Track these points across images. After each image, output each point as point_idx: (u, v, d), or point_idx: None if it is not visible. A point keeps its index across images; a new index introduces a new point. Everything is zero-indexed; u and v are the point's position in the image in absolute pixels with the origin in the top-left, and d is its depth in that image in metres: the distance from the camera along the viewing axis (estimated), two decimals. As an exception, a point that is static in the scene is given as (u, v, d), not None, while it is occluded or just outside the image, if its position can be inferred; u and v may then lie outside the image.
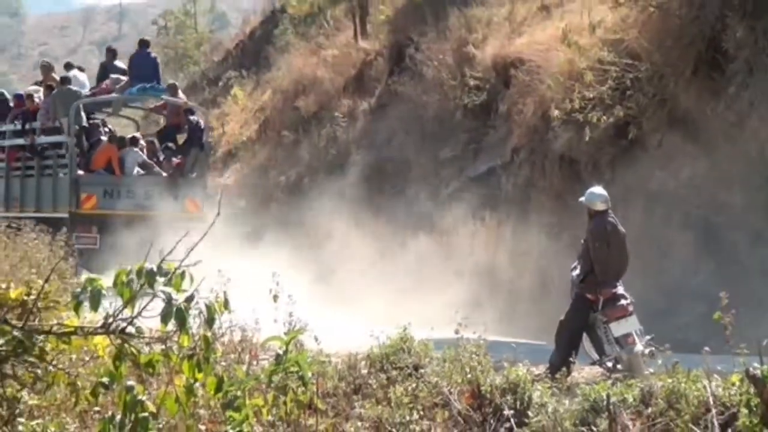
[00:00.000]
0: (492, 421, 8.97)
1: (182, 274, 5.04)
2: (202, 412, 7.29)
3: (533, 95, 23.02)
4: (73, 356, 5.89)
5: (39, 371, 5.36)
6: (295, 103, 33.52)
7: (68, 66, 26.80)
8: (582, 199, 13.21)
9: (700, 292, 15.29)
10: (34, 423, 6.75)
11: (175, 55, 56.39)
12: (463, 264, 22.53)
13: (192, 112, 25.26)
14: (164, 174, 24.28)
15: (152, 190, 23.38)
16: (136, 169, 24.01)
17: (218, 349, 6.66)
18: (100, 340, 5.19)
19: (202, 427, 7.07)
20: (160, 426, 5.72)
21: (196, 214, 23.02)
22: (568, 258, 14.30)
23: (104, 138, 24.53)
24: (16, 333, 5.09)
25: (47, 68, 27.14)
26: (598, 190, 13.33)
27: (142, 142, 25.32)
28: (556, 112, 21.69)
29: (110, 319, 5.08)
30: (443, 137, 26.30)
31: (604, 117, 20.62)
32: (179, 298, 5.06)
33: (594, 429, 8.30)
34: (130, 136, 25.56)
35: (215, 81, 46.37)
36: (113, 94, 24.87)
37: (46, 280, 5.38)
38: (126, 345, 5.12)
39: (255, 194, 31.44)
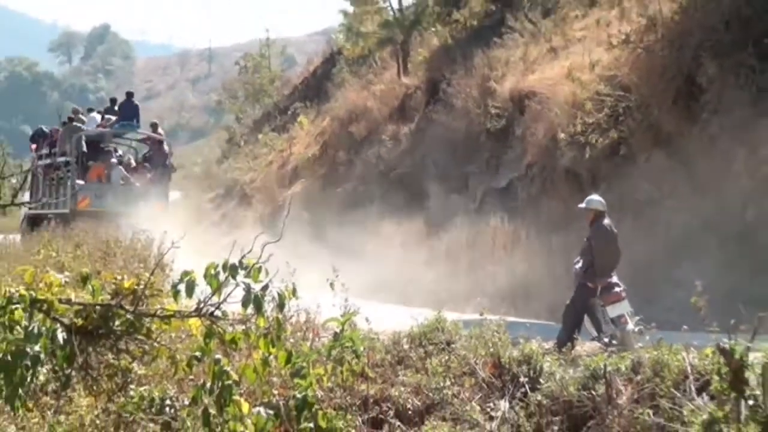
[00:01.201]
0: (510, 386, 8.95)
1: (259, 268, 5.08)
2: (275, 379, 7.32)
3: (543, 121, 22.95)
4: (173, 335, 5.94)
5: (146, 347, 5.40)
6: (349, 128, 33.58)
7: (90, 110, 31.02)
8: (582, 205, 13.17)
9: (680, 281, 15.17)
10: (142, 389, 6.81)
11: (253, 90, 56.61)
12: (486, 259, 22.48)
13: (162, 143, 28.93)
14: (137, 184, 27.49)
15: (129, 195, 26.58)
16: (120, 181, 27.39)
17: (287, 328, 6.69)
18: (194, 322, 5.23)
19: (275, 392, 7.10)
20: (242, 391, 5.76)
21: (161, 213, 25.66)
22: (571, 253, 14.24)
23: (114, 160, 28.28)
24: (129, 316, 5.14)
25: (75, 111, 29.94)
26: (596, 196, 13.34)
27: (133, 162, 29.17)
28: (562, 135, 21.63)
29: (202, 305, 5.13)
30: (470, 155, 26.28)
31: (601, 139, 20.56)
32: (256, 287, 5.10)
33: (593, 393, 8.27)
34: (112, 159, 28.66)
35: (285, 110, 46.57)
36: (105, 129, 28.66)
37: (152, 273, 5.44)
38: (214, 326, 5.17)
39: (317, 202, 31.52)
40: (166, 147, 28.91)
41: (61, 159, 27.41)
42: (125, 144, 30.81)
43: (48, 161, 28.56)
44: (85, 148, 27.16)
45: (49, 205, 27.47)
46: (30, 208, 28.88)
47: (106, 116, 29.01)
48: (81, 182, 26.36)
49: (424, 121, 29.67)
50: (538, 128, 23.14)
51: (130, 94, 29.92)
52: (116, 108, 29.16)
